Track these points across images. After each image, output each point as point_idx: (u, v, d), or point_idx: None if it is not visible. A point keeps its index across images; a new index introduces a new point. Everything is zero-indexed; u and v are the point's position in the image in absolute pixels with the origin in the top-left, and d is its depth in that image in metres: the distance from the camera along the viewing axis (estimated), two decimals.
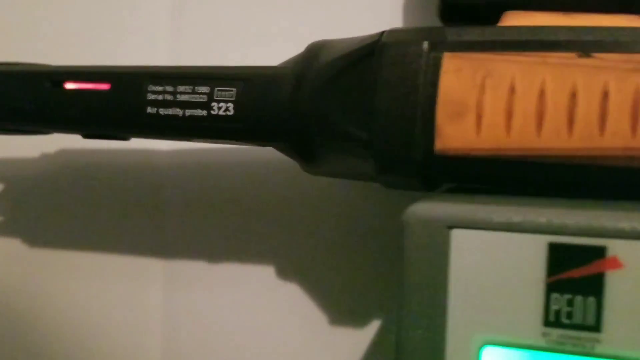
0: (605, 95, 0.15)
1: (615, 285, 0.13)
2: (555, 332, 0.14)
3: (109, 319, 0.27)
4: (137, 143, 0.23)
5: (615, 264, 0.13)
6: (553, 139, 0.15)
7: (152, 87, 0.20)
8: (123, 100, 0.21)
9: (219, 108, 0.19)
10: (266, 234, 0.25)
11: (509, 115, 0.16)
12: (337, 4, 0.24)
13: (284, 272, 0.25)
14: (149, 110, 0.20)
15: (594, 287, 0.13)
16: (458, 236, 0.15)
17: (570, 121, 0.15)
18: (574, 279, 0.14)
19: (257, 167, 0.25)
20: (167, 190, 0.26)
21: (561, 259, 0.14)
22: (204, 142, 0.21)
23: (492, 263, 0.14)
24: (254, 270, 0.25)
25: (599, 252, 0.13)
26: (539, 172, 0.16)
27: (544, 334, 0.14)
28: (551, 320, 0.14)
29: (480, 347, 0.14)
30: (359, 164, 0.18)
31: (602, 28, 0.16)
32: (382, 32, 0.17)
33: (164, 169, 0.26)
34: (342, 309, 0.24)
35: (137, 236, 0.26)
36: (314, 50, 0.19)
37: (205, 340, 0.26)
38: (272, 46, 0.24)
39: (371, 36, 0.18)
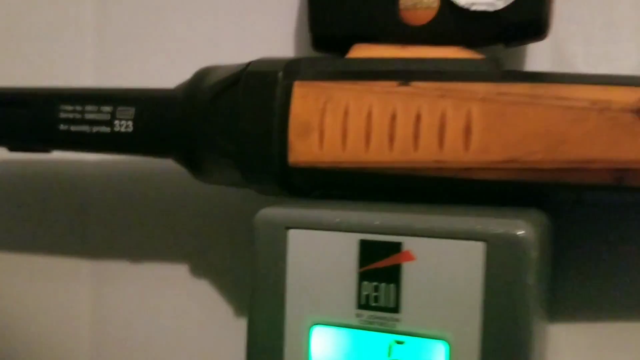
0: (418, 117, 0.18)
1: (410, 274, 0.16)
2: (366, 314, 0.17)
3: (38, 319, 0.30)
4: (62, 153, 0.26)
5: (409, 257, 0.16)
6: (378, 153, 0.18)
7: (64, 107, 0.23)
8: (39, 119, 0.23)
9: (121, 125, 0.22)
10: (182, 235, 0.28)
11: (344, 134, 0.19)
12: (244, 34, 0.27)
13: (200, 271, 0.28)
14: (62, 127, 0.23)
15: (394, 276, 0.16)
16: (294, 235, 0.18)
17: (392, 139, 0.18)
18: (379, 269, 0.17)
19: (176, 174, 0.28)
20: (92, 196, 0.29)
21: (369, 253, 0.17)
22: (110, 154, 0.24)
23: (319, 257, 0.17)
24: (174, 269, 0.28)
25: (396, 247, 0.16)
26: (369, 181, 0.19)
27: (358, 315, 0.17)
28: (362, 303, 0.17)
29: (310, 327, 0.17)
30: (234, 175, 0.21)
31: (421, 60, 0.19)
32: (250, 62, 0.20)
33: (89, 175, 0.29)
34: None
35: (63, 238, 0.29)
36: (200, 76, 0.22)
37: (131, 334, 0.29)
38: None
39: (241, 65, 0.21)
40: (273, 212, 0.18)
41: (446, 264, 0.16)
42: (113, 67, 0.29)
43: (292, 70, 0.20)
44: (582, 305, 0.22)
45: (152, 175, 0.28)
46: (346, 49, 0.21)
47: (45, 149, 0.25)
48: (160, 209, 0.28)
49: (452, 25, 0.20)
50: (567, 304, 0.22)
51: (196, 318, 0.28)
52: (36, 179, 0.30)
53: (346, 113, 0.19)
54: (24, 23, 0.30)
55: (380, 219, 0.16)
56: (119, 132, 0.22)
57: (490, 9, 0.19)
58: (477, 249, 0.16)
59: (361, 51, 0.20)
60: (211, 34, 0.26)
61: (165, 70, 0.27)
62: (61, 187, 0.29)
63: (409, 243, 0.16)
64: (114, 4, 0.28)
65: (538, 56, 0.22)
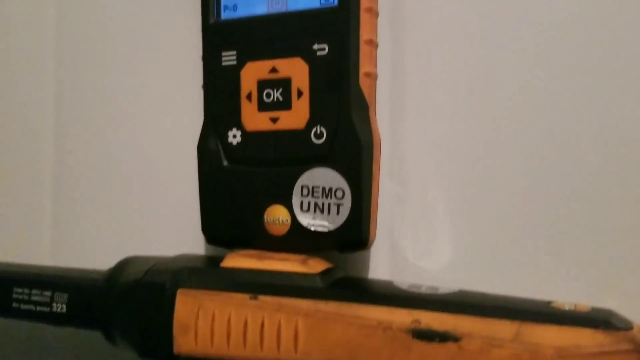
0: (262, 325, 0.24)
1: None
2: None
3: None
4: None
5: None
6: (236, 349, 0.24)
7: (16, 289, 0.30)
8: None
9: (57, 307, 0.29)
10: None
11: (212, 333, 0.25)
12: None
13: None
14: (14, 305, 0.29)
15: None
16: None
17: (245, 340, 0.24)
18: None
19: None
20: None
21: None
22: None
23: None
24: None
25: None
26: None
27: None
28: None
29: None
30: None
31: (270, 273, 0.25)
32: (147, 270, 0.27)
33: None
34: None
35: None
36: (119, 266, 0.28)
37: None
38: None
39: (143, 270, 0.27)
40: None
41: None
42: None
43: (176, 279, 0.26)
44: None
45: None
46: (232, 245, 0.27)
47: (4, 316, 0.31)
48: None
49: (301, 237, 0.26)
50: None
51: None
52: None
53: (213, 318, 0.25)
54: None
55: None
56: (55, 312, 0.29)
57: (325, 230, 0.26)
58: None
59: (231, 260, 0.26)
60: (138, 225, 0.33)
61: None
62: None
63: None
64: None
65: (378, 248, 0.28)
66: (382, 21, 0.27)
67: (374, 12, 0.26)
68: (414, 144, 0.28)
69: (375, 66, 0.27)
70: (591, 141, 0.25)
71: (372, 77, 0.26)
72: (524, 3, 0.26)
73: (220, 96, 0.28)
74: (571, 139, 0.25)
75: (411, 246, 0.28)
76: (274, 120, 0.27)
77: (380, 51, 0.27)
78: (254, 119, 0.27)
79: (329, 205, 0.26)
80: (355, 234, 0.25)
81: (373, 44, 0.26)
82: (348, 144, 0.25)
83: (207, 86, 0.28)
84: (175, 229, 0.32)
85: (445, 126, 0.27)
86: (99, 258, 0.30)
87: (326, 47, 0.26)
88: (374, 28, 0.26)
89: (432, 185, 0.27)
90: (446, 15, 0.27)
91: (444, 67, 0.27)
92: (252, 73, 0.27)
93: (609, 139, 0.25)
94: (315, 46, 0.26)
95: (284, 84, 0.26)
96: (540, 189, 0.26)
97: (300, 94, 0.26)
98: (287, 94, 0.26)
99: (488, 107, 0.26)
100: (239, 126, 0.27)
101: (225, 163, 0.28)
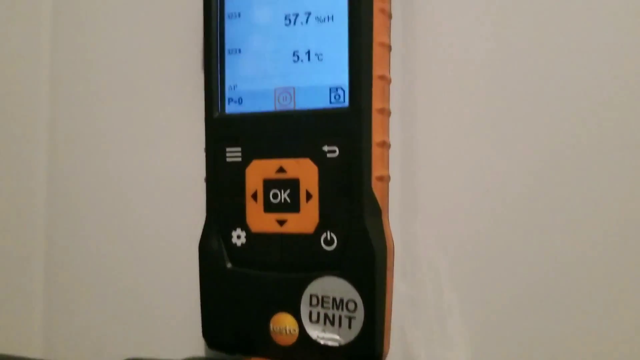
0: None
1: None
2: None
3: None
4: None
5: None
6: None
7: None
8: None
9: None
10: None
11: None
12: None
13: None
14: None
15: None
16: None
17: None
18: None
19: None
20: None
21: None
22: None
23: None
24: None
25: None
26: None
27: None
28: None
29: None
30: None
31: None
32: None
33: None
34: None
35: None
36: None
37: None
38: None
39: None
40: None
41: None
42: None
43: None
44: None
45: None
46: (236, 351, 0.26)
47: None
48: None
49: (309, 350, 0.25)
50: None
51: None
52: None
53: None
54: None
55: None
56: None
57: (335, 344, 0.24)
58: None
59: None
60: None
61: None
62: None
63: None
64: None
65: (391, 357, 0.26)
66: (393, 119, 0.26)
67: (386, 113, 0.25)
68: (427, 244, 0.26)
69: (388, 168, 0.25)
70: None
71: (385, 180, 0.25)
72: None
73: (223, 193, 0.26)
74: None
75: (425, 354, 0.26)
76: (281, 222, 0.25)
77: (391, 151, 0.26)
78: (260, 220, 0.26)
79: (340, 317, 0.24)
80: (368, 349, 0.24)
81: (385, 145, 0.25)
82: (360, 252, 0.24)
83: (209, 181, 0.27)
84: (176, 329, 0.30)
85: (459, 227, 0.26)
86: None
87: (336, 149, 0.24)
88: (386, 129, 0.25)
89: (447, 288, 0.26)
90: (458, 118, 0.26)
91: (454, 167, 0.26)
92: (258, 171, 0.26)
93: None
94: (325, 148, 0.25)
95: (292, 185, 0.25)
96: (562, 295, 0.24)
97: (309, 196, 0.25)
98: (295, 195, 0.25)
99: (502, 211, 0.25)
100: (244, 226, 0.26)
101: (228, 265, 0.26)
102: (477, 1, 0.26)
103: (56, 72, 0.34)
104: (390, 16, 0.25)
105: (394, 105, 0.26)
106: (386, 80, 0.25)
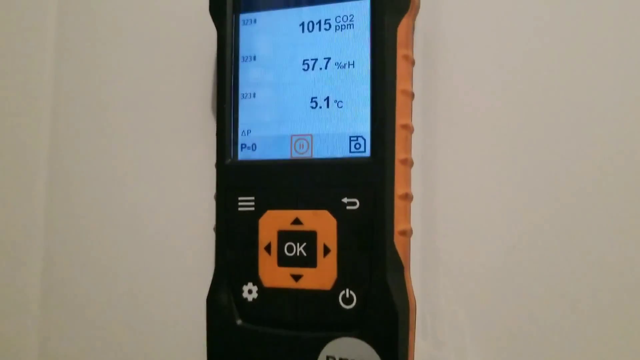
0: None
1: None
2: None
3: None
4: None
5: None
6: None
7: None
8: None
9: None
10: None
11: None
12: None
13: None
14: None
15: None
16: None
17: None
18: None
19: None
20: None
21: None
22: None
23: None
24: None
25: None
26: None
27: None
28: None
29: None
30: None
31: None
32: None
33: None
34: None
35: None
36: None
37: None
38: None
39: None
40: None
41: None
42: None
43: None
44: None
45: None
46: None
47: None
48: None
49: None
50: None
51: None
52: None
53: None
54: None
55: None
56: None
57: None
58: None
59: None
60: None
61: None
62: None
63: None
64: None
65: None
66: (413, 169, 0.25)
67: (408, 163, 0.24)
68: (448, 300, 0.25)
69: (410, 221, 0.24)
70: None
71: (407, 234, 0.24)
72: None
73: (235, 245, 0.25)
74: None
75: None
76: (296, 277, 0.24)
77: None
78: (273, 274, 0.24)
79: None
80: None
81: (408, 197, 0.24)
82: (382, 311, 0.23)
83: (219, 231, 0.25)
84: None
85: (482, 282, 0.25)
86: None
87: (357, 201, 0.23)
88: (409, 180, 0.24)
89: (469, 348, 0.25)
90: (478, 167, 0.25)
91: (478, 225, 0.25)
92: (273, 223, 0.24)
93: None
94: (345, 200, 0.23)
95: (309, 238, 0.24)
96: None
97: (327, 250, 0.23)
98: (312, 249, 0.24)
99: (527, 266, 0.24)
100: (256, 281, 0.24)
101: (238, 321, 0.25)
102: (498, 47, 0.25)
103: (63, 117, 0.32)
104: (413, 63, 0.24)
105: (415, 154, 0.25)
106: (409, 129, 0.24)
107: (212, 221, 0.26)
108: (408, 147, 0.24)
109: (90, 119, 0.32)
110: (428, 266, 0.25)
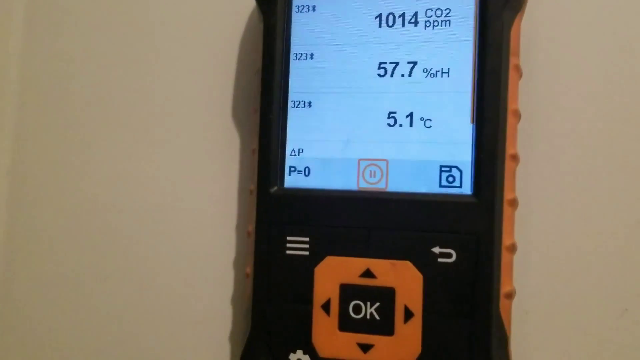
0: None
1: None
2: None
3: None
4: None
5: None
6: None
7: None
8: None
9: None
10: None
11: None
12: None
13: None
14: None
15: None
16: None
17: None
18: None
19: None
20: None
21: None
22: None
23: None
24: None
25: None
26: None
27: None
28: None
29: None
30: None
31: None
32: None
33: None
34: None
35: None
36: None
37: None
38: None
39: None
40: None
41: None
42: None
43: None
44: None
45: None
46: None
47: None
48: None
49: None
50: None
51: None
52: None
53: None
54: None
55: None
56: None
57: None
58: None
59: None
60: None
61: None
62: None
63: None
64: None
65: None
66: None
67: (515, 204, 0.19)
68: None
69: (512, 281, 0.19)
70: None
71: (512, 297, 0.19)
72: None
73: (279, 298, 0.19)
74: None
75: None
76: (365, 347, 0.18)
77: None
78: (333, 342, 0.18)
79: None
80: None
81: (513, 249, 0.19)
82: None
83: (258, 278, 0.19)
84: None
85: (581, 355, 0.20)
86: None
87: (453, 253, 0.18)
88: (514, 226, 0.19)
89: None
90: (573, 217, 0.20)
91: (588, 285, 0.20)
92: (334, 273, 0.19)
93: None
94: (437, 250, 0.18)
95: (384, 296, 0.18)
96: None
97: (409, 314, 0.18)
98: (388, 311, 0.18)
99: (634, 330, 0.19)
100: (308, 348, 0.19)
101: None
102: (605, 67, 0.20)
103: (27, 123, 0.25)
104: (521, 75, 0.19)
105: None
106: (516, 161, 0.19)
107: (239, 260, 0.20)
108: (514, 184, 0.19)
109: (104, 146, 0.25)
110: (526, 336, 0.20)
